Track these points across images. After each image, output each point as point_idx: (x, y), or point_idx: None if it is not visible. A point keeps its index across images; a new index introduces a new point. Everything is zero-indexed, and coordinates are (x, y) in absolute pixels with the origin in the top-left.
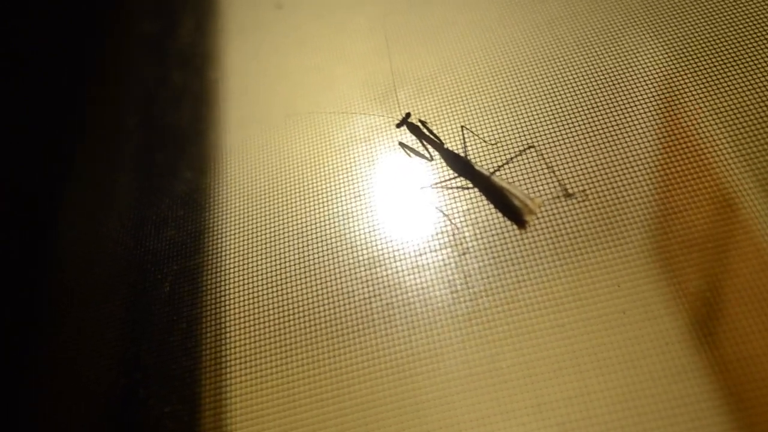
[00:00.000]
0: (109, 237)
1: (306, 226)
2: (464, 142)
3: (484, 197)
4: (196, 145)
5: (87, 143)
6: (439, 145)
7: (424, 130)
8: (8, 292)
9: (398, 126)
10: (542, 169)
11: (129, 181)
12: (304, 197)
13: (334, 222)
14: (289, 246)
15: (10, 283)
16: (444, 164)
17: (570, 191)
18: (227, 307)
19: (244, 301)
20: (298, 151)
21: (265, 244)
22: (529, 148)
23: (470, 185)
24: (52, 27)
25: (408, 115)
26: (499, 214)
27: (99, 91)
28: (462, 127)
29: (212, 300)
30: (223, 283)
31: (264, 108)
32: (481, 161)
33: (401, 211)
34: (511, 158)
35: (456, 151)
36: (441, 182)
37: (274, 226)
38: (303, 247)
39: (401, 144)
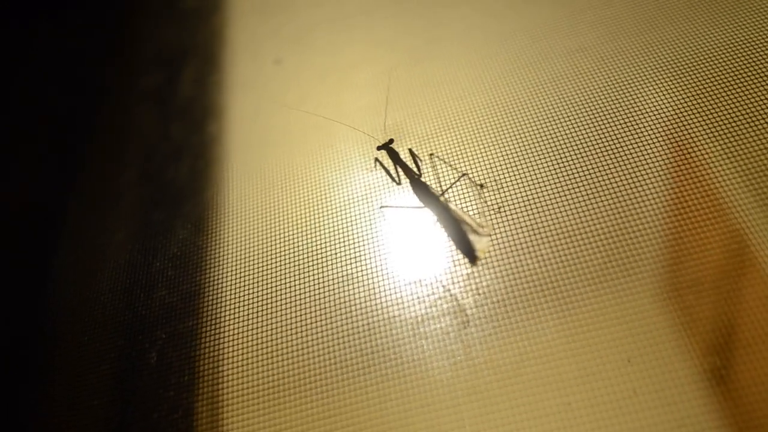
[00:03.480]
0: (98, 301)
1: (304, 290)
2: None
3: (443, 229)
4: (192, 202)
5: (82, 201)
6: (411, 174)
7: (402, 158)
8: None
9: (379, 148)
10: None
11: (123, 241)
12: (302, 259)
13: (332, 286)
14: (285, 311)
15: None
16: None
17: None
18: (220, 375)
19: (236, 368)
20: (296, 211)
21: (261, 307)
22: (499, 210)
23: (432, 216)
24: (50, 79)
25: (391, 140)
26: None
27: (95, 145)
28: (464, 174)
29: (204, 367)
30: (215, 350)
31: (263, 165)
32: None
33: (400, 275)
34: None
35: (426, 183)
36: (442, 247)
37: (271, 289)
38: (300, 312)
39: (377, 160)
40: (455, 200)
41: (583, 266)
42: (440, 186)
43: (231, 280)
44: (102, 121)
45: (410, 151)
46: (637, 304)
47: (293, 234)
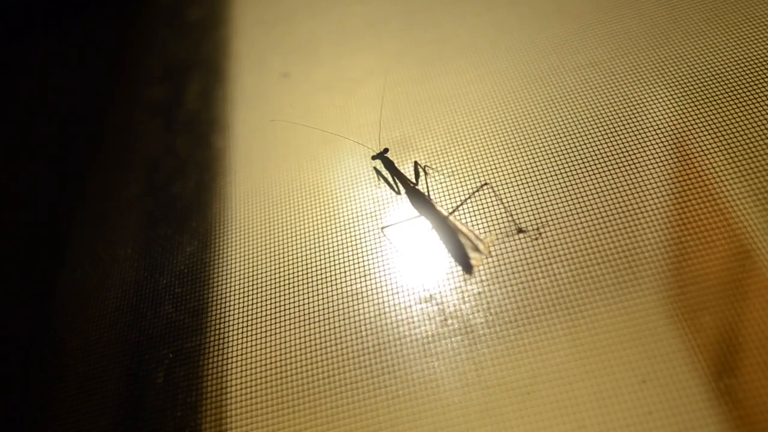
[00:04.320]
0: (104, 319)
1: (312, 307)
2: (426, 184)
3: (439, 238)
4: (199, 217)
5: (87, 214)
6: (407, 183)
7: (398, 167)
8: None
9: (374, 158)
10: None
11: (129, 257)
12: (310, 276)
13: (341, 304)
14: (294, 329)
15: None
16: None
17: (523, 227)
18: (227, 395)
19: (244, 387)
20: (303, 226)
21: (269, 325)
22: (534, 230)
23: (429, 225)
24: (54, 91)
25: (386, 150)
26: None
27: (101, 158)
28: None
29: (211, 386)
30: (223, 368)
31: (270, 179)
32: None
33: (410, 293)
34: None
35: (422, 191)
36: (452, 265)
37: (278, 306)
38: (309, 331)
39: (376, 170)
40: (455, 211)
41: (596, 285)
42: (439, 197)
43: (238, 296)
44: (107, 133)
45: (415, 162)
46: (651, 324)
47: (301, 250)
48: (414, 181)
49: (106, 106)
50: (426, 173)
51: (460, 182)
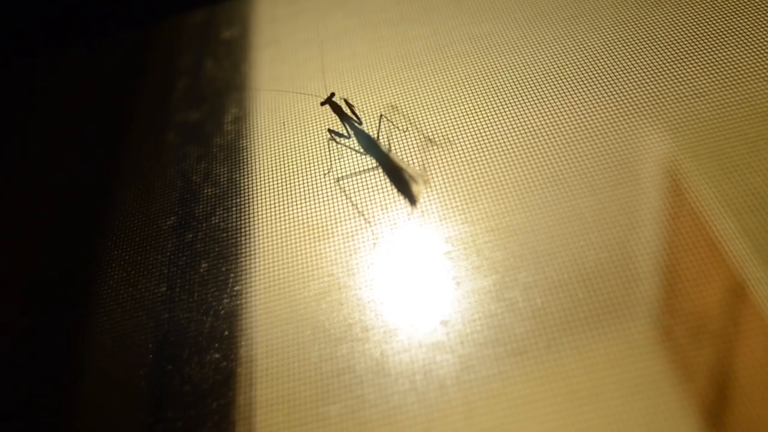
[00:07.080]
0: (142, 364)
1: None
2: (379, 128)
3: (384, 174)
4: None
5: (120, 250)
6: (355, 126)
7: (347, 110)
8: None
9: (322, 104)
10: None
11: (167, 294)
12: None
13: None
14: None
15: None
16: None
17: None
18: None
19: None
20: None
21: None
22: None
23: (375, 164)
24: (84, 117)
25: (332, 94)
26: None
27: (133, 188)
28: (381, 116)
29: None
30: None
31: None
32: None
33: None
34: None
35: (369, 133)
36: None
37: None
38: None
39: (330, 131)
40: (397, 151)
41: (578, 313)
42: (384, 138)
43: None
44: (141, 162)
45: (347, 102)
46: (634, 352)
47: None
48: (359, 121)
49: (141, 132)
50: (380, 120)
51: (412, 135)
